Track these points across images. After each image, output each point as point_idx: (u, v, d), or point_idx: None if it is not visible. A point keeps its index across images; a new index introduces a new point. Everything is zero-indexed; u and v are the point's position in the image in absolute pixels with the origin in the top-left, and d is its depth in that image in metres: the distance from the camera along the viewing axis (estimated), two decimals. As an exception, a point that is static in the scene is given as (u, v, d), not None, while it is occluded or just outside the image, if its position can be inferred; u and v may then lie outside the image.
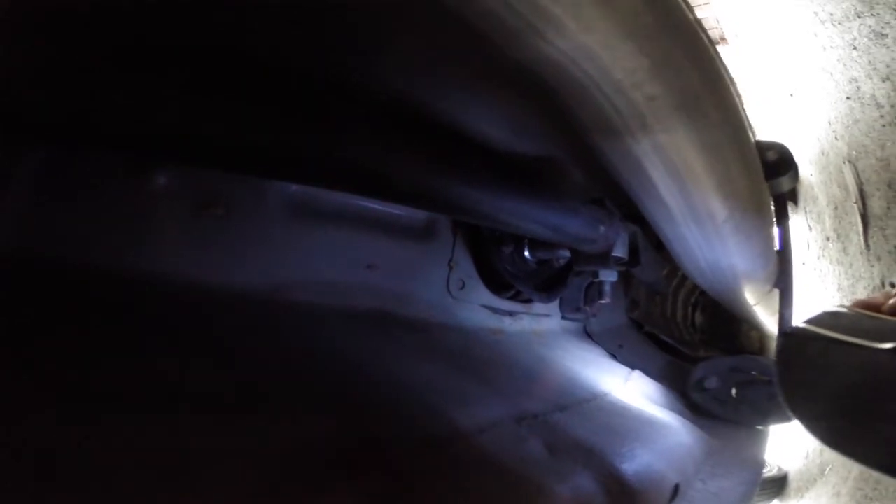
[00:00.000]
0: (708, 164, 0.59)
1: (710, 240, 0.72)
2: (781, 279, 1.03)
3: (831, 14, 1.01)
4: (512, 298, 1.08)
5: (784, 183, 0.99)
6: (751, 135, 0.66)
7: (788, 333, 0.42)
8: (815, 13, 1.05)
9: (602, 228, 0.82)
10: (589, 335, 1.28)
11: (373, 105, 0.62)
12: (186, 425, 0.46)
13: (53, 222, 0.57)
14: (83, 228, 0.59)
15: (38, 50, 0.37)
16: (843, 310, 0.41)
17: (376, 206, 0.85)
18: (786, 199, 1.05)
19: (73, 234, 0.59)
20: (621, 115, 0.51)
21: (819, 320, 0.40)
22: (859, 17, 0.97)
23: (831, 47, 1.05)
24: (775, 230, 1.01)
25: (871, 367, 0.35)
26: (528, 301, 1.11)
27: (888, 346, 0.34)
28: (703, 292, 1.30)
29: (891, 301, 0.39)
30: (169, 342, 0.58)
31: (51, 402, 0.41)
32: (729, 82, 0.58)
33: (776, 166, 0.96)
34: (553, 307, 1.19)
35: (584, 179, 0.84)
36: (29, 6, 0.37)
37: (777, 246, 1.02)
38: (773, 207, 0.99)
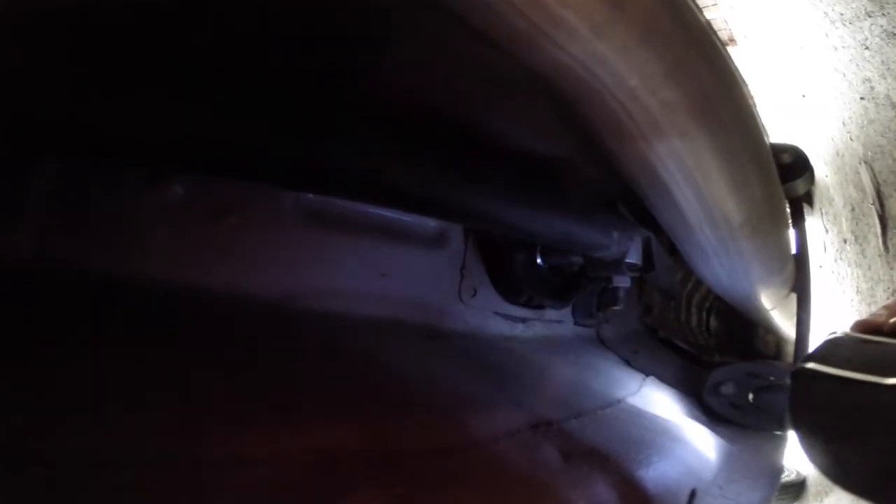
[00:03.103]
0: (724, 169, 0.59)
1: (725, 245, 0.71)
2: (799, 283, 1.02)
3: (841, 14, 1.01)
4: (524, 305, 1.07)
5: (800, 186, 0.98)
6: (766, 138, 0.66)
7: (796, 374, 0.41)
8: (825, 13, 1.04)
9: (615, 234, 0.82)
10: (602, 341, 1.27)
11: (383, 113, 0.62)
12: (205, 433, 0.46)
13: (70, 232, 0.58)
14: (100, 238, 0.60)
15: (45, 57, 0.38)
16: (843, 336, 0.40)
17: (389, 214, 0.86)
18: (801, 201, 1.04)
19: (89, 244, 0.59)
20: (635, 120, 0.51)
21: (822, 355, 0.39)
22: (870, 16, 0.96)
23: (843, 47, 1.04)
24: (792, 233, 0.99)
25: (879, 407, 0.34)
26: (541, 307, 1.10)
27: (892, 381, 0.32)
28: (717, 297, 1.28)
29: (892, 320, 0.37)
30: (186, 350, 0.59)
31: (69, 411, 0.42)
32: (743, 85, 0.58)
33: (791, 169, 0.95)
34: (565, 313, 1.19)
35: (597, 185, 0.84)
36: (32, 8, 0.37)
37: (794, 249, 1.01)
38: (788, 210, 0.98)
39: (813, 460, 0.39)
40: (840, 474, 0.38)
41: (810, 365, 0.38)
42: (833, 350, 0.39)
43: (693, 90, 0.50)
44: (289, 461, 0.47)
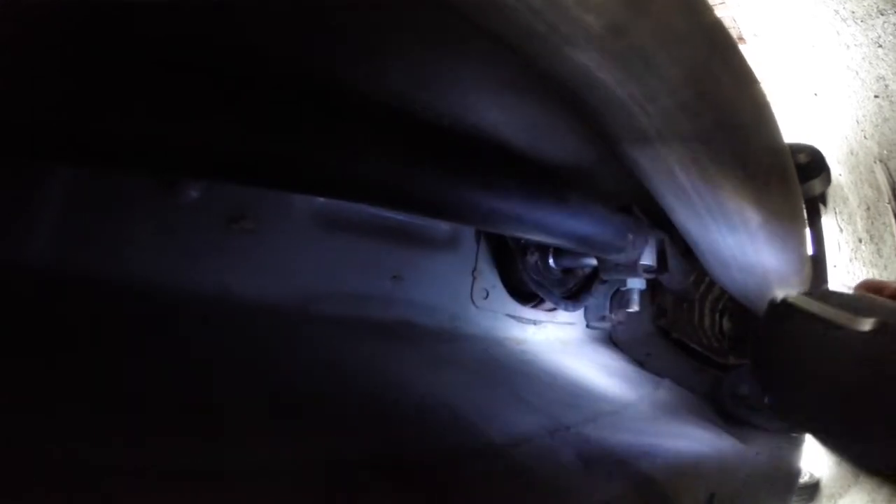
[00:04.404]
0: (742, 170, 0.58)
1: (743, 247, 0.70)
2: (815, 284, 1.00)
3: (853, 12, 1.00)
4: (536, 307, 1.07)
5: (816, 186, 0.97)
6: (784, 138, 0.65)
7: (773, 306, 0.39)
8: (836, 11, 1.03)
9: (630, 237, 0.81)
10: (615, 343, 1.26)
11: (394, 117, 0.62)
12: (218, 438, 0.46)
13: (85, 238, 0.59)
14: (114, 243, 0.61)
15: (54, 66, 0.38)
16: (847, 290, 0.39)
17: (401, 218, 0.86)
18: (817, 201, 1.03)
19: (104, 249, 0.60)
20: (653, 122, 0.50)
21: (813, 294, 0.38)
22: (882, 14, 0.95)
23: (855, 45, 1.03)
24: (808, 234, 0.98)
25: (845, 350, 0.32)
26: (553, 309, 1.10)
27: (866, 326, 0.31)
28: (730, 298, 1.27)
29: (894, 286, 0.37)
30: (200, 354, 0.59)
31: (83, 415, 0.42)
32: (760, 86, 0.57)
33: (808, 169, 0.94)
34: (578, 316, 1.18)
35: (612, 187, 0.83)
36: (38, 19, 0.37)
37: (810, 250, 0.99)
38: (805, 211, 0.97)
39: (766, 390, 0.38)
40: (795, 413, 0.36)
41: (791, 299, 0.37)
42: (826, 294, 0.38)
43: (712, 91, 0.49)
44: (299, 470, 0.46)
